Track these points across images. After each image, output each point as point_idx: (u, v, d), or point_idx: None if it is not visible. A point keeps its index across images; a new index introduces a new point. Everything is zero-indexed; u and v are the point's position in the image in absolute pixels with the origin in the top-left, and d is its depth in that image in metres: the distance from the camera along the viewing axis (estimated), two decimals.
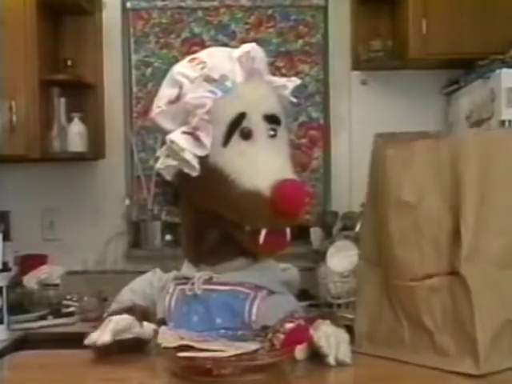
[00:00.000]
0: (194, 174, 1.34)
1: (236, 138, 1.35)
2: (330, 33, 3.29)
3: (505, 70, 2.49)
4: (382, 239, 1.38)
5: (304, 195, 1.32)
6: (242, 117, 1.35)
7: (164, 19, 3.34)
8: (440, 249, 1.30)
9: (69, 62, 3.07)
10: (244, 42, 1.47)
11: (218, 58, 1.40)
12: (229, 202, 1.34)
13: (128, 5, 3.33)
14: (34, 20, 2.76)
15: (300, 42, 3.34)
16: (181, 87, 1.37)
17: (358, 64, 3.18)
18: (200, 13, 3.33)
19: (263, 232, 1.32)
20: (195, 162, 1.33)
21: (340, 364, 1.30)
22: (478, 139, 1.32)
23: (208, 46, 1.47)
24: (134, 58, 3.35)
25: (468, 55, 2.78)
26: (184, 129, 1.34)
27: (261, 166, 1.32)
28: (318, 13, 3.34)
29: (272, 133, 1.38)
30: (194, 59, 1.41)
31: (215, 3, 3.33)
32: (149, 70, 3.33)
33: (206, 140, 1.33)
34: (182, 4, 3.33)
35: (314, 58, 3.35)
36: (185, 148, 1.33)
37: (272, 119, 1.38)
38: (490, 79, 2.56)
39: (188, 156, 1.33)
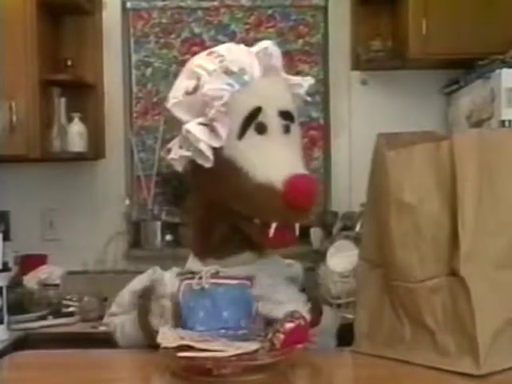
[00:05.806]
0: (208, 165, 1.35)
1: (251, 131, 1.35)
2: (330, 33, 3.29)
3: (505, 70, 2.48)
4: (382, 240, 1.38)
5: (315, 190, 1.32)
6: (257, 111, 1.35)
7: (164, 19, 3.34)
8: (440, 250, 1.30)
9: (69, 62, 3.07)
10: (244, 41, 1.47)
11: (237, 52, 1.41)
12: (241, 195, 1.34)
13: (128, 5, 3.33)
14: (34, 20, 2.76)
15: (300, 41, 3.34)
16: (198, 79, 1.38)
17: (358, 64, 3.18)
18: (200, 13, 3.33)
19: (273, 225, 1.32)
20: (209, 153, 1.34)
21: None
22: (478, 140, 1.32)
23: (208, 46, 1.47)
24: (134, 57, 3.34)
25: (468, 55, 2.78)
26: (200, 120, 1.35)
27: (274, 160, 1.33)
28: (318, 13, 3.34)
29: (286, 129, 1.39)
30: (212, 52, 1.42)
31: (215, 3, 3.32)
32: (149, 70, 3.32)
33: (222, 131, 1.34)
34: (182, 4, 3.33)
35: (313, 57, 3.35)
36: (200, 139, 1.33)
37: (286, 115, 1.39)
38: (490, 79, 2.56)
39: (203, 147, 1.33)
